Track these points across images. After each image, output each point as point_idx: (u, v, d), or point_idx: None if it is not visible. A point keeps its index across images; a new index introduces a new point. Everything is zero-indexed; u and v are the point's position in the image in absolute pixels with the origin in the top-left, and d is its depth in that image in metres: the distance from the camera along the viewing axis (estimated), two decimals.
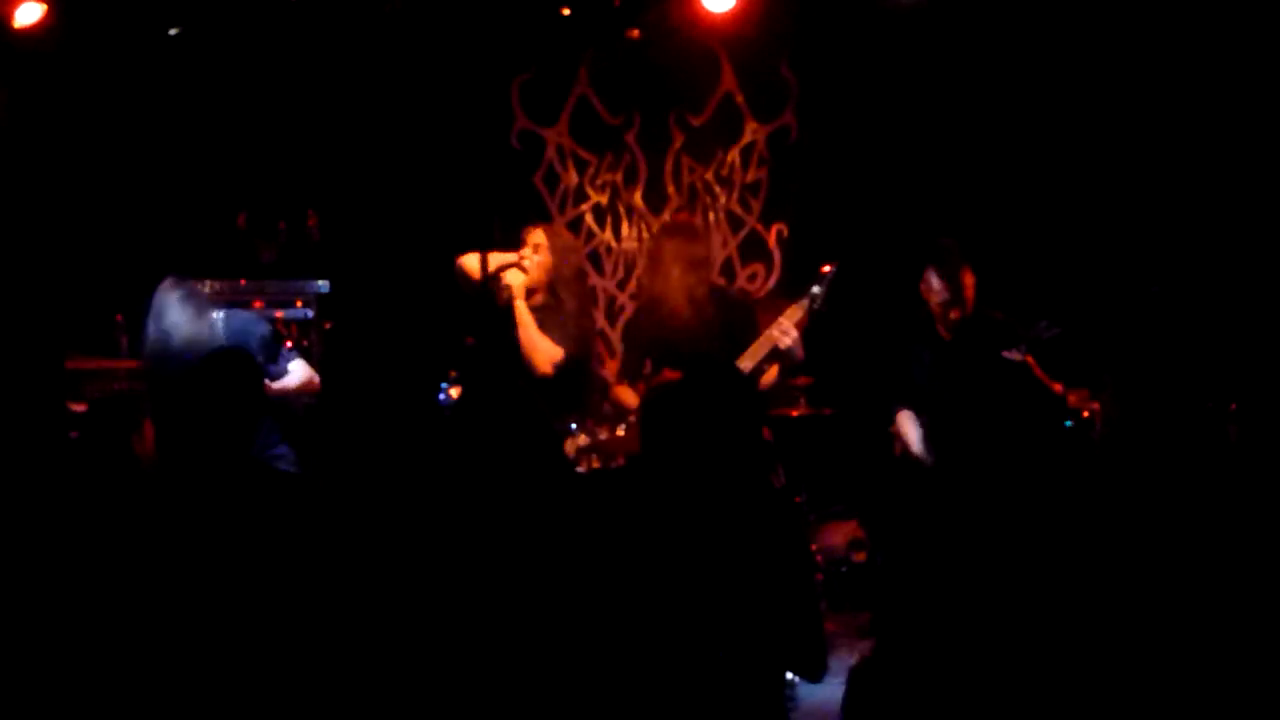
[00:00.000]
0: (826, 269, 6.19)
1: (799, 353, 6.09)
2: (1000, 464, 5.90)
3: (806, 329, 6.10)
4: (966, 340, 6.29)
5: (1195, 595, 4.17)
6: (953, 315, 6.25)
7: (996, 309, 6.39)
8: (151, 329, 5.97)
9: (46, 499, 4.04)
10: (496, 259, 6.28)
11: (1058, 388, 6.24)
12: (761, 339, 6.21)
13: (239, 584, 4.08)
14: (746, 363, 6.18)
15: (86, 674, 3.52)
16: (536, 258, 6.27)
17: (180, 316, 5.93)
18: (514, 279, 6.19)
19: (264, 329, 6.26)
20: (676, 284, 6.27)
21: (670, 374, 5.67)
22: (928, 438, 6.32)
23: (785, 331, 6.05)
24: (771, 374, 6.31)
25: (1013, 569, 3.90)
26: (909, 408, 6.43)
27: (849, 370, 7.28)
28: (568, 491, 4.15)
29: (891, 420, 6.46)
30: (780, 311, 6.36)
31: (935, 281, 6.23)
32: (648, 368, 6.32)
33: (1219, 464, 4.86)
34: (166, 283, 5.99)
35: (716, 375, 4.17)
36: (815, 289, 6.21)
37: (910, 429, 6.39)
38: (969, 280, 6.23)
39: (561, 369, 6.19)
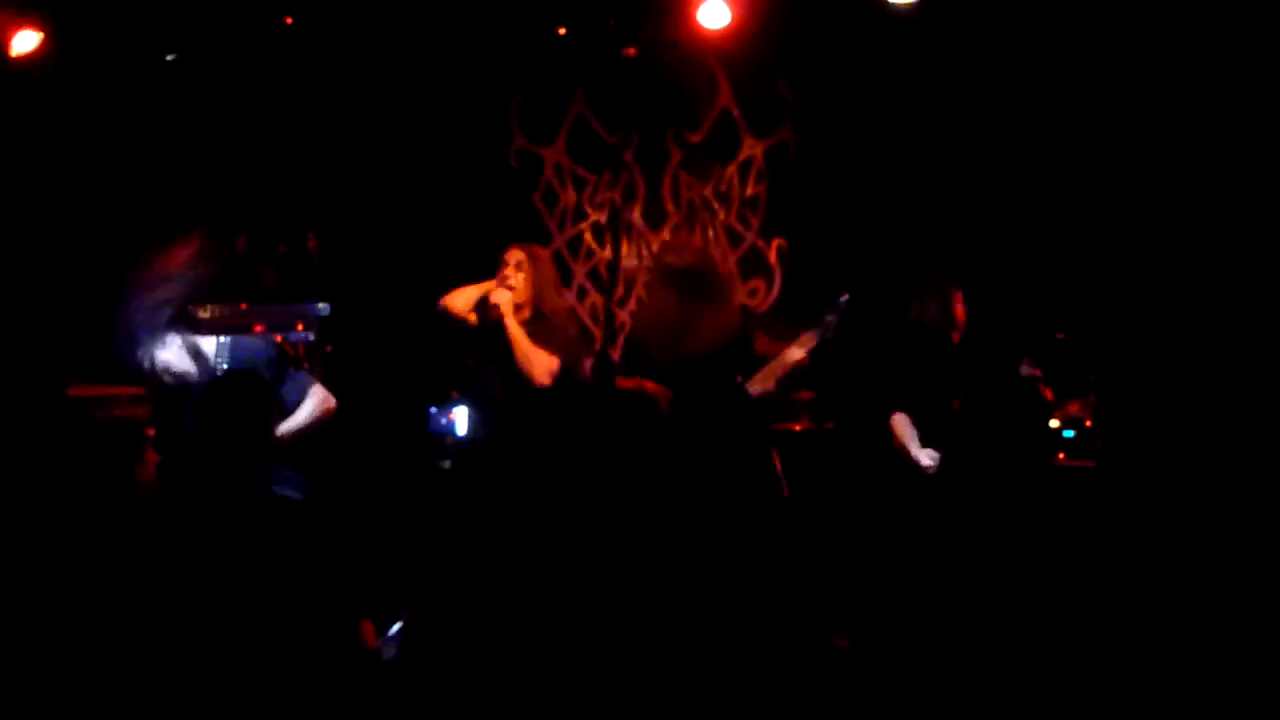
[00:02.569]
0: (844, 297, 6.26)
1: (798, 380, 6.22)
2: (998, 466, 5.91)
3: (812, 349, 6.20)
4: (963, 342, 6.32)
5: (1194, 599, 4.17)
6: (951, 334, 6.29)
7: (986, 307, 6.42)
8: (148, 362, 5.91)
9: (50, 521, 4.04)
10: (477, 290, 6.32)
11: (1049, 394, 6.26)
12: (773, 365, 6.27)
13: (241, 605, 4.09)
14: (757, 387, 6.22)
15: (90, 695, 3.51)
16: (520, 275, 6.32)
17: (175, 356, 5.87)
18: (500, 297, 6.24)
19: (270, 353, 6.25)
20: (681, 302, 6.32)
21: (624, 383, 5.69)
22: (925, 440, 6.34)
23: (798, 360, 6.17)
24: (769, 385, 6.34)
25: (1009, 573, 3.90)
26: (904, 412, 6.45)
27: (851, 383, 7.27)
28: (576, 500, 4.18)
29: (887, 426, 6.48)
30: (784, 331, 6.41)
31: (926, 314, 6.28)
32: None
33: (1219, 470, 4.86)
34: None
35: (719, 395, 4.19)
36: (830, 317, 6.27)
37: (906, 432, 6.41)
38: (959, 305, 6.27)
39: (559, 377, 6.23)
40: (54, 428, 6.64)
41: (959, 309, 6.30)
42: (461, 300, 6.36)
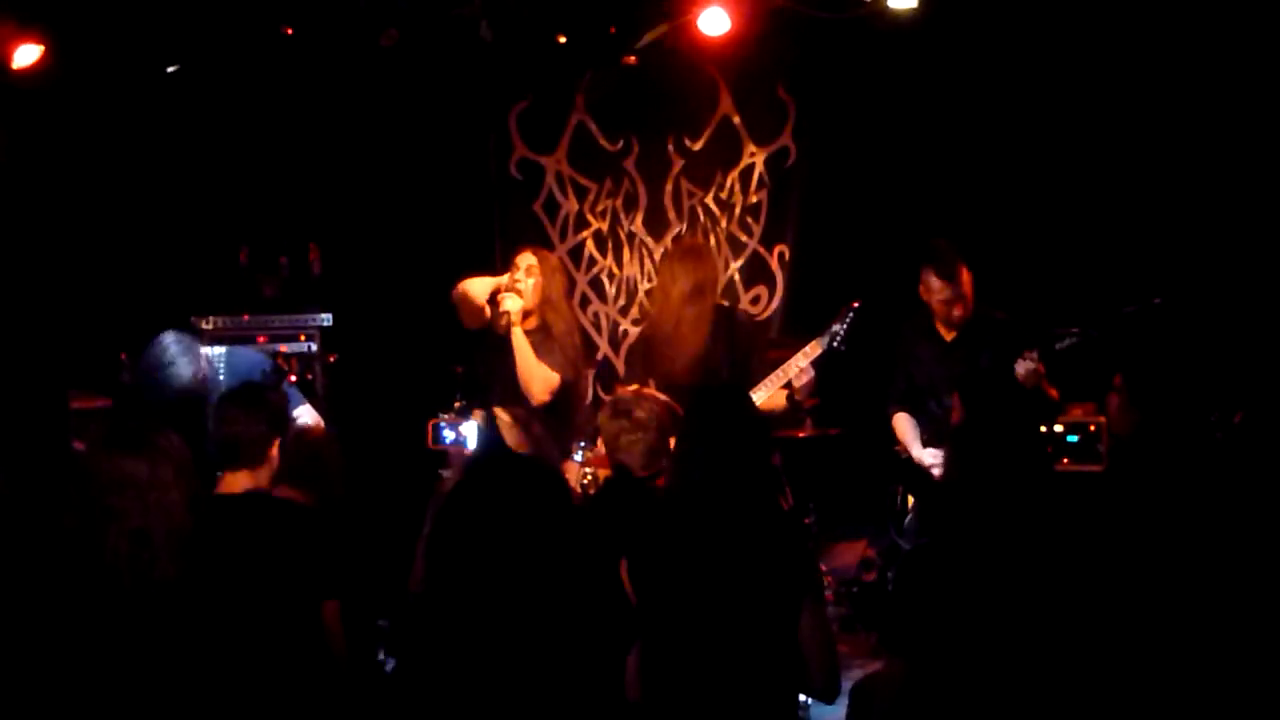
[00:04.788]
0: (852, 306, 6.27)
1: (810, 388, 6.25)
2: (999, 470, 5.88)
3: (820, 360, 6.23)
4: (968, 340, 6.30)
5: (1204, 606, 4.15)
6: (956, 313, 6.25)
7: (998, 309, 6.41)
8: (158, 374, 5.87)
9: (52, 536, 4.01)
10: (489, 283, 6.31)
11: (1054, 394, 6.23)
12: (777, 373, 6.29)
13: (247, 613, 4.09)
14: (760, 394, 6.22)
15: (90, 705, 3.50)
16: (530, 280, 6.29)
17: (182, 366, 5.81)
18: (512, 305, 6.20)
19: (266, 365, 6.24)
20: (683, 308, 6.33)
21: (624, 389, 5.67)
22: (927, 440, 6.33)
23: (803, 370, 6.19)
24: (779, 399, 6.35)
25: (1019, 578, 3.88)
26: (906, 410, 6.45)
27: (855, 387, 7.26)
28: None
29: (889, 424, 6.49)
30: (788, 340, 6.42)
31: (935, 281, 6.24)
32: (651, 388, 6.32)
33: (1226, 475, 4.84)
34: (168, 336, 5.83)
35: (726, 403, 4.17)
36: (837, 327, 6.28)
37: (907, 431, 6.40)
38: (966, 277, 6.24)
39: (557, 393, 6.22)
40: (55, 439, 6.63)
41: (966, 281, 6.27)
42: (480, 287, 6.34)
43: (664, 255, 8.15)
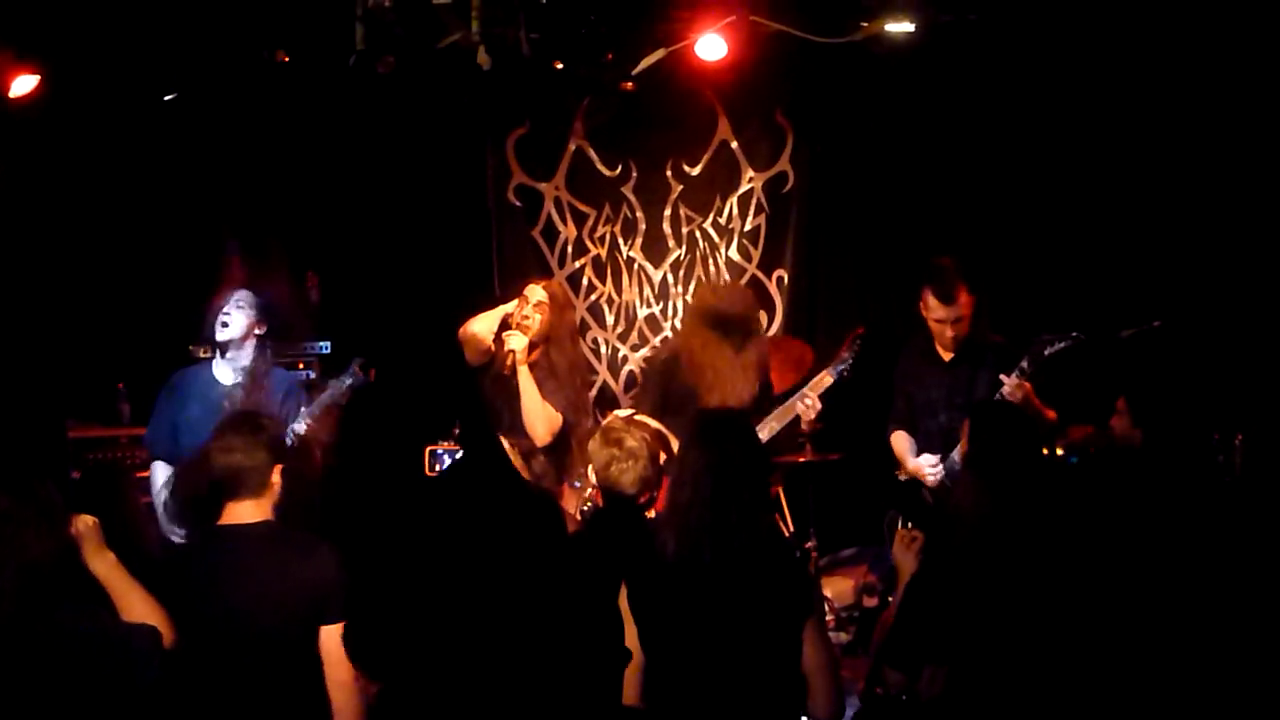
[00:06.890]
0: (858, 333, 6.27)
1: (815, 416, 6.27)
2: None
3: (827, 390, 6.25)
4: (966, 361, 6.28)
5: (1203, 625, 4.14)
6: (949, 334, 6.24)
7: (998, 333, 6.40)
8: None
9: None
10: (497, 315, 6.28)
11: (1051, 415, 6.20)
12: (786, 406, 6.29)
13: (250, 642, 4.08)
14: (773, 425, 6.22)
15: None
16: (537, 316, 6.25)
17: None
18: (517, 344, 6.15)
19: (294, 387, 6.25)
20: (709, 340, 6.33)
21: (613, 419, 5.64)
22: (924, 456, 6.31)
23: (811, 405, 6.19)
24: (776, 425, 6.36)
25: (1019, 597, 3.87)
26: (905, 429, 6.43)
27: (856, 412, 7.24)
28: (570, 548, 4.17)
29: (888, 442, 6.48)
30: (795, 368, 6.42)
31: (931, 301, 6.24)
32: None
33: (1224, 495, 4.84)
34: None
35: (728, 428, 4.16)
36: (846, 354, 6.28)
37: (904, 446, 6.38)
38: (965, 300, 6.22)
39: (558, 434, 6.20)
40: (53, 469, 6.62)
41: (965, 302, 6.25)
42: (483, 326, 6.30)
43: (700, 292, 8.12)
